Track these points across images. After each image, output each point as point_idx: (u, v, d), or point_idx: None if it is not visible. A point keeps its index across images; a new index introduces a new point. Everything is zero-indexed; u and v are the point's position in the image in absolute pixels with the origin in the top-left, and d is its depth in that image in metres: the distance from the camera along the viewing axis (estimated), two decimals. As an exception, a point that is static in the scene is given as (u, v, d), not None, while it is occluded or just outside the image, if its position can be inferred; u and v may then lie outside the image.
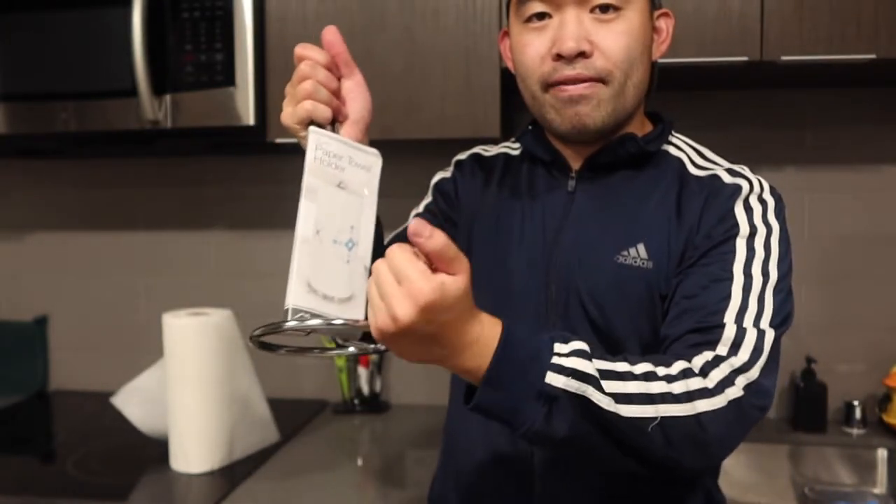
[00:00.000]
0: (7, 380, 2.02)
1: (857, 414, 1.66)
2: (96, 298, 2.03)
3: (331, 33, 0.85)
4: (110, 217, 2.01)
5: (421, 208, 1.13)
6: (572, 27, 0.88)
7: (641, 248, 0.92)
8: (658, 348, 0.90)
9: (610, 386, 0.74)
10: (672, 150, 0.99)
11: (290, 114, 0.83)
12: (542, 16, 0.91)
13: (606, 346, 0.92)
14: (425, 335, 0.69)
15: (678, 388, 0.77)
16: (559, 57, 0.89)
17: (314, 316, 0.71)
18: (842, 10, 1.36)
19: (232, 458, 1.50)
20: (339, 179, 0.77)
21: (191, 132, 1.52)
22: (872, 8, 1.35)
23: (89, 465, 1.51)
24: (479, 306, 0.98)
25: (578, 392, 0.73)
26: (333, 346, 0.81)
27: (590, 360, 0.75)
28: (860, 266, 1.74)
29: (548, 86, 0.92)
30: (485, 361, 0.72)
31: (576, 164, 0.99)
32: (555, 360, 0.73)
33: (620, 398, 0.74)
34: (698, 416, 0.76)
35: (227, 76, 1.47)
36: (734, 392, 0.79)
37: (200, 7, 1.47)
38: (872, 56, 1.35)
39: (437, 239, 0.66)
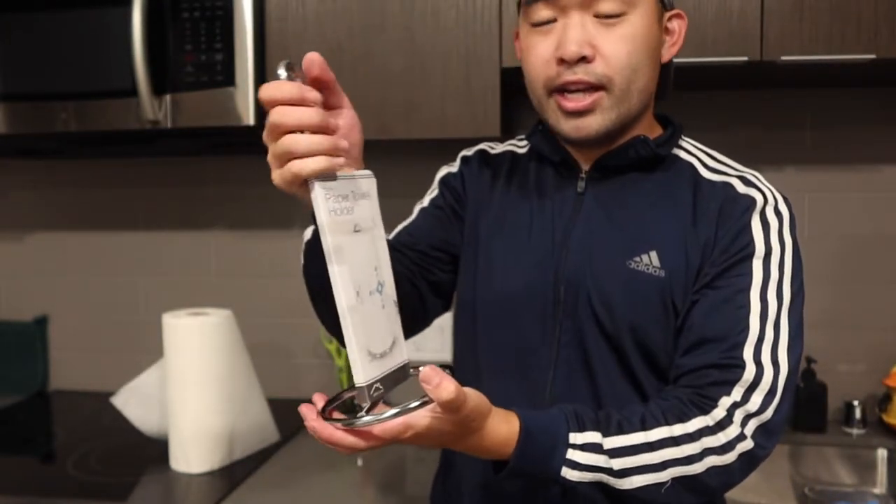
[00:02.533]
0: (7, 380, 2.03)
1: (857, 414, 1.66)
2: (96, 298, 2.03)
3: (315, 64, 0.72)
4: (110, 217, 2.01)
5: (426, 202, 1.11)
6: (575, 31, 0.88)
7: (654, 255, 0.92)
8: (664, 355, 0.91)
9: (622, 462, 0.80)
10: (682, 154, 0.99)
11: (278, 176, 0.71)
12: (548, 19, 0.91)
13: (612, 349, 0.92)
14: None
15: (693, 448, 0.82)
16: (562, 61, 0.89)
17: (381, 381, 0.70)
18: (842, 10, 1.36)
19: (232, 458, 1.50)
20: (353, 224, 0.71)
21: (191, 132, 1.52)
22: (872, 8, 1.35)
23: (89, 465, 1.51)
24: (487, 304, 0.99)
25: (593, 481, 0.80)
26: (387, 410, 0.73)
27: (602, 451, 0.80)
28: (860, 266, 1.74)
29: (552, 91, 0.92)
30: (507, 452, 0.78)
31: (585, 166, 0.98)
32: (570, 454, 0.79)
33: (632, 470, 0.81)
34: (707, 471, 0.82)
35: (227, 76, 1.47)
36: (745, 446, 0.83)
37: (200, 7, 1.47)
38: (872, 56, 1.35)
39: (446, 389, 0.69)
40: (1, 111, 1.58)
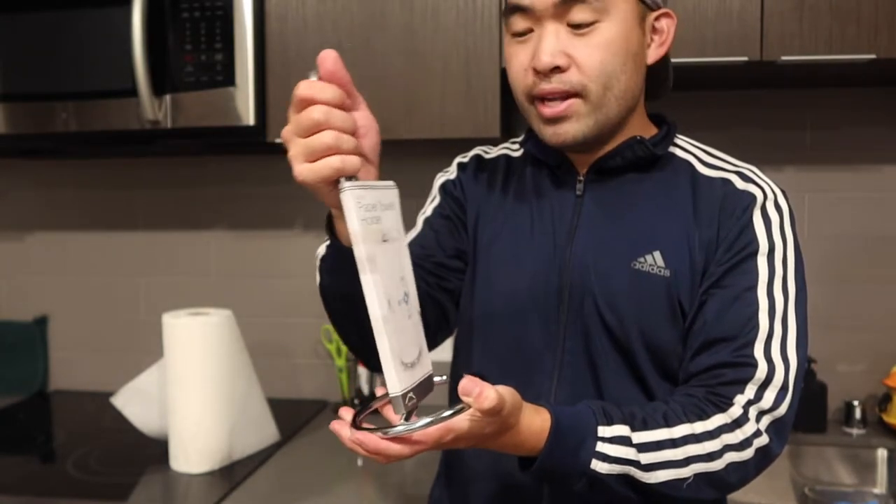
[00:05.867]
0: (7, 380, 2.03)
1: (857, 414, 1.67)
2: (96, 298, 2.03)
3: (331, 61, 0.70)
4: (110, 217, 2.01)
5: (429, 212, 1.08)
6: (548, 42, 0.88)
7: (658, 255, 0.91)
8: (673, 357, 0.91)
9: (649, 457, 0.82)
10: (679, 152, 0.99)
11: (310, 171, 0.69)
12: (525, 30, 0.92)
13: (620, 353, 0.92)
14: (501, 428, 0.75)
15: (714, 445, 0.83)
16: (537, 71, 0.90)
17: (413, 391, 0.70)
18: (842, 10, 1.36)
19: (232, 458, 1.50)
20: (381, 233, 0.70)
21: (191, 132, 1.52)
22: (872, 8, 1.35)
23: (89, 465, 1.51)
24: (492, 309, 0.99)
25: (620, 473, 0.81)
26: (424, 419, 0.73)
27: (631, 444, 0.81)
28: (860, 266, 1.74)
29: (531, 98, 0.92)
30: (538, 445, 0.79)
31: (582, 168, 0.98)
32: (599, 447, 0.80)
33: (657, 465, 0.82)
34: (727, 467, 0.84)
35: (227, 76, 1.47)
36: (761, 441, 0.85)
37: (200, 7, 1.47)
38: (872, 56, 1.35)
39: (487, 398, 0.69)
40: (1, 111, 1.58)
